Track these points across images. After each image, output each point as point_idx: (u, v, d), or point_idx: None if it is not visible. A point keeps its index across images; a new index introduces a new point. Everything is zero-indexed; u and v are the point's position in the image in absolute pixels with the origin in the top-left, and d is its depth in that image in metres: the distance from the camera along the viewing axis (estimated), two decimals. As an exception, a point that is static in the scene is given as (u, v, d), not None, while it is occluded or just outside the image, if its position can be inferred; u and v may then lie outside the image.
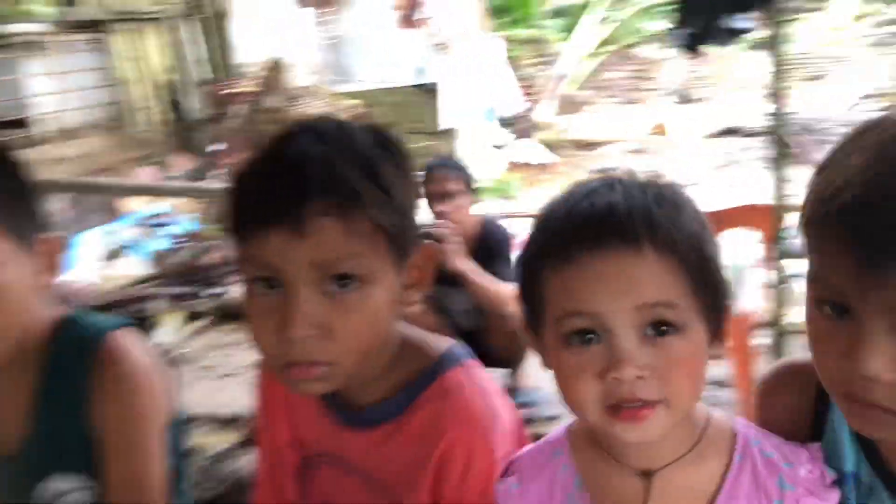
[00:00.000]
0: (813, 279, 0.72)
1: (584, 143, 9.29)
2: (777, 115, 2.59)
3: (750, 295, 2.84)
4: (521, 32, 10.76)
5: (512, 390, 2.99)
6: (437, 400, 0.91)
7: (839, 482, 0.82)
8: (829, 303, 0.71)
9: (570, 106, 10.15)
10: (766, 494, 0.79)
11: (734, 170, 7.39)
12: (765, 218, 2.56)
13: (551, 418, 2.91)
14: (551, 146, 8.97)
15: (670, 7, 2.81)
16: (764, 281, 3.04)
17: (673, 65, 10.97)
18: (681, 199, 0.78)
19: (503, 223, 3.09)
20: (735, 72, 10.92)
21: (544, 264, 0.77)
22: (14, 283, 0.95)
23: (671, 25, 2.79)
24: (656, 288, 0.73)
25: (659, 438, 0.76)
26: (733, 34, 2.81)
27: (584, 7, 10.84)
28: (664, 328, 0.73)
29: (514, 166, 8.42)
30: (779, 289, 2.58)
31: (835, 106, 8.54)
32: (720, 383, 2.53)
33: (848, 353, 0.68)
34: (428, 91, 7.84)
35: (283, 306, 0.81)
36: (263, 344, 0.85)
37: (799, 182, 0.87)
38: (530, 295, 0.80)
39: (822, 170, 0.73)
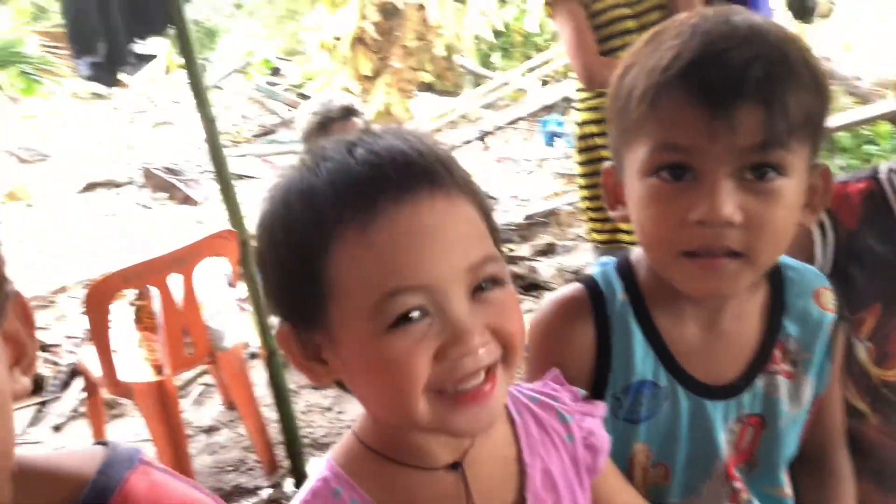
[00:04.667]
0: (650, 150, 0.79)
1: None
2: (216, 154, 2.45)
3: (235, 326, 2.74)
4: None
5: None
6: None
7: (636, 390, 0.89)
8: (668, 168, 0.78)
9: None
10: (555, 432, 0.79)
11: (114, 221, 7.06)
12: (231, 244, 2.50)
13: None
14: None
15: (66, 37, 2.47)
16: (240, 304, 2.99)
17: (9, 123, 9.87)
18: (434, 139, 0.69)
19: None
20: (79, 126, 10.46)
21: (325, 242, 0.62)
22: None
23: (73, 56, 2.45)
24: (478, 241, 0.65)
25: (501, 412, 0.70)
26: (140, 60, 2.63)
27: None
28: (489, 282, 0.65)
29: None
30: (261, 311, 2.55)
31: (186, 148, 8.88)
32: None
33: (693, 208, 0.76)
34: None
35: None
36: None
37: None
38: (303, 291, 0.64)
39: (628, 68, 0.82)
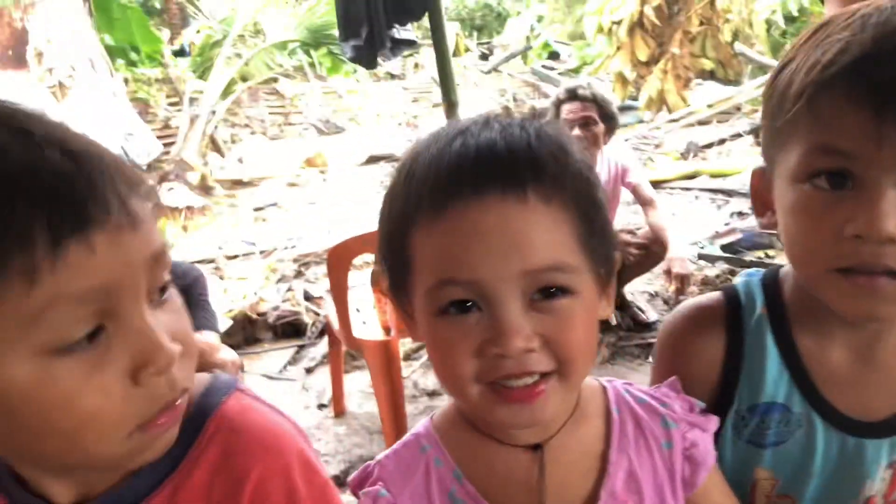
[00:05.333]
0: (806, 153, 0.71)
1: (236, 182, 8.95)
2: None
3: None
4: (149, 72, 10.08)
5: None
6: (224, 438, 0.71)
7: (764, 412, 0.82)
8: (825, 174, 0.70)
9: (212, 145, 9.74)
10: (653, 437, 0.77)
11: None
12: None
13: None
14: (199, 188, 8.47)
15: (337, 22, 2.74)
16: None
17: (313, 98, 11.18)
18: (565, 136, 0.69)
19: (188, 263, 2.71)
20: (371, 103, 11.50)
21: (411, 221, 0.66)
22: None
23: (340, 38, 2.72)
24: (545, 247, 0.63)
25: (553, 417, 0.70)
26: (398, 45, 2.84)
27: (212, 45, 10.55)
28: (554, 290, 0.64)
29: (161, 213, 7.76)
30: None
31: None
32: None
33: (851, 220, 0.68)
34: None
35: None
36: None
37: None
38: (395, 258, 0.69)
39: (787, 63, 0.74)
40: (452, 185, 0.63)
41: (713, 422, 0.80)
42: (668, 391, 0.81)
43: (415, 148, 0.70)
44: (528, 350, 0.63)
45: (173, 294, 0.64)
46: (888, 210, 0.66)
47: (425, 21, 3.08)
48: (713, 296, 0.88)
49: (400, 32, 2.77)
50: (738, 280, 0.90)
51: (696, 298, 0.90)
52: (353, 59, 2.68)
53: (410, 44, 2.84)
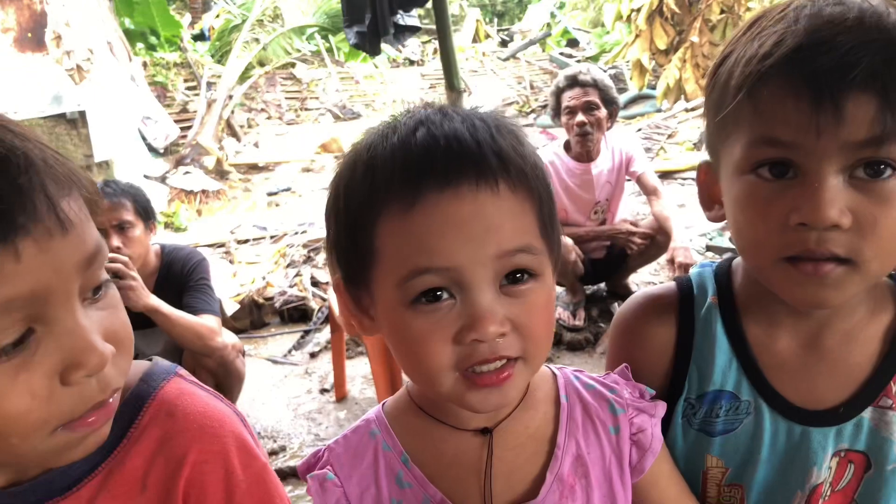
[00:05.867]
0: (748, 145, 0.71)
1: (252, 167, 9.00)
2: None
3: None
4: (168, 56, 10.15)
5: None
6: (161, 423, 0.71)
7: (713, 400, 0.83)
8: (768, 164, 0.70)
9: (229, 130, 9.80)
10: (601, 422, 0.79)
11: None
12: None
13: (272, 453, 2.71)
14: (215, 172, 8.53)
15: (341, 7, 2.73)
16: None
17: (330, 83, 11.19)
18: (517, 129, 0.70)
19: (190, 248, 2.74)
20: (388, 89, 11.49)
21: (375, 212, 0.65)
22: None
23: (344, 24, 2.72)
24: (516, 232, 0.65)
25: (516, 400, 0.72)
26: (402, 31, 2.83)
27: (231, 29, 10.58)
28: (520, 276, 0.66)
29: (177, 196, 7.83)
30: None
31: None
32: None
33: (795, 209, 0.68)
34: (70, 121, 6.95)
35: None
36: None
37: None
38: (354, 251, 0.69)
39: (726, 57, 0.74)
40: (423, 175, 0.63)
41: (661, 407, 0.81)
42: (618, 378, 0.83)
43: (367, 139, 0.69)
44: (501, 335, 0.64)
45: (111, 289, 0.63)
46: (830, 197, 0.67)
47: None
48: (667, 285, 0.89)
49: (404, 18, 2.77)
50: (692, 271, 0.90)
51: (650, 288, 0.91)
52: (357, 46, 2.68)
53: (414, 30, 2.84)
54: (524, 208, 0.66)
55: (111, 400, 0.61)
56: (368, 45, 2.67)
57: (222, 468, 0.71)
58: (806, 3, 0.70)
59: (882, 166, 0.67)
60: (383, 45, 3.22)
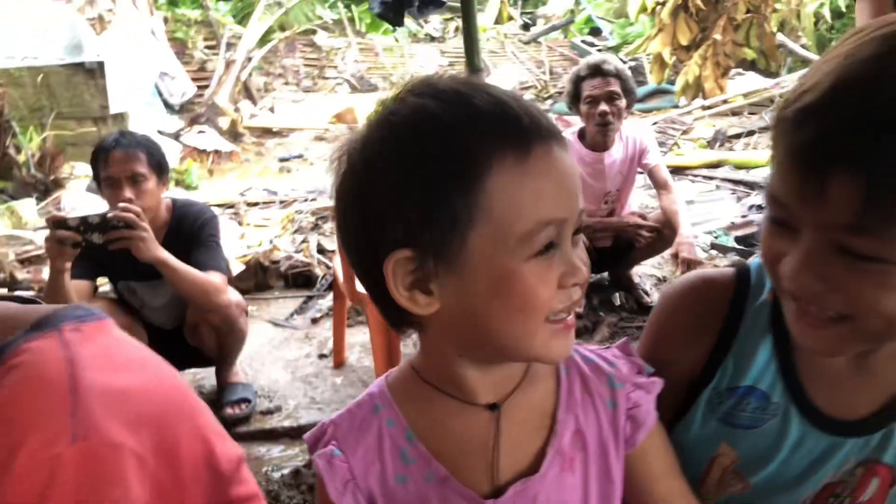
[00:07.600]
0: (768, 189, 0.70)
1: (266, 131, 9.01)
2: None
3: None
4: (190, 13, 10.12)
5: (222, 388, 2.74)
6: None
7: (742, 395, 0.83)
8: (773, 219, 0.70)
9: (245, 92, 9.79)
10: (599, 396, 0.80)
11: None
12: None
13: (268, 412, 2.75)
14: (229, 133, 8.54)
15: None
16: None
17: (350, 53, 11.15)
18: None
19: (201, 204, 2.76)
20: (406, 62, 11.45)
21: (488, 166, 0.63)
22: None
23: (369, -6, 2.72)
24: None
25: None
26: (426, 5, 2.83)
27: (254, -9, 10.53)
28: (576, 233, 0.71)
29: (189, 154, 7.85)
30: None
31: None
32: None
33: (786, 257, 0.68)
34: (89, 71, 6.95)
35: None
36: None
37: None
38: (442, 219, 0.64)
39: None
40: (532, 129, 0.65)
41: (657, 385, 0.81)
42: (618, 352, 0.83)
43: (412, 111, 0.66)
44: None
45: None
46: (805, 267, 0.66)
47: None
48: (726, 271, 0.88)
49: (431, -5, 2.77)
50: (753, 260, 0.89)
51: (708, 271, 0.89)
52: (380, 15, 2.69)
53: (439, 5, 2.84)
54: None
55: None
56: (392, 14, 2.67)
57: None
58: (862, 45, 0.63)
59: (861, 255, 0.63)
60: (406, 19, 3.22)
